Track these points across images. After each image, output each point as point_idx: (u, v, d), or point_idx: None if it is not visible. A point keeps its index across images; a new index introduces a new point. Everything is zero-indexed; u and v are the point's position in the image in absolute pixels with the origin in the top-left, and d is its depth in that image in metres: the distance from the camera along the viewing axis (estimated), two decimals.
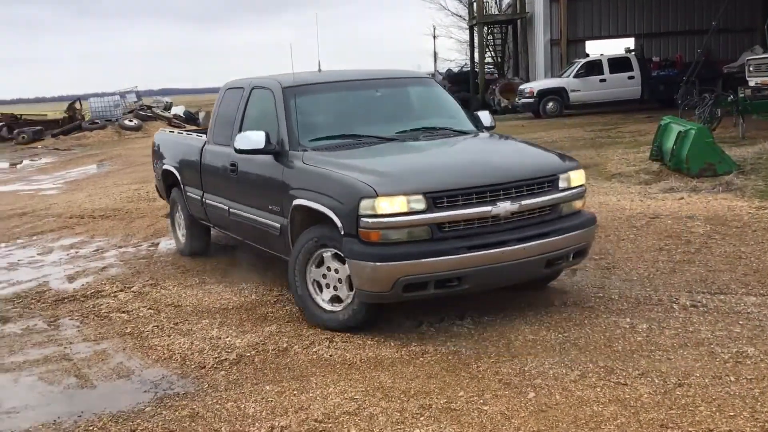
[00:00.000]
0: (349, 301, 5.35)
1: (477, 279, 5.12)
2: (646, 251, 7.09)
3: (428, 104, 7.07)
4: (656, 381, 4.24)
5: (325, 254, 5.42)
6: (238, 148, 6.06)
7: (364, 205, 4.94)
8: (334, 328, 5.36)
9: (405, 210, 4.93)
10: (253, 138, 5.94)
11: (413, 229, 4.99)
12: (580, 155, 14.29)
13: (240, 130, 6.40)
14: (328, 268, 5.44)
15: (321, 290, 5.52)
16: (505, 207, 5.11)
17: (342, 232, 5.11)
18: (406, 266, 4.92)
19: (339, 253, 5.26)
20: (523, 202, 5.19)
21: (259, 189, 6.31)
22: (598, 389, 4.18)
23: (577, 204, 5.65)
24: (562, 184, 5.46)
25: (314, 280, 5.53)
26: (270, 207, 6.09)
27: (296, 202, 5.56)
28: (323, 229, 5.35)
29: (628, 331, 5.05)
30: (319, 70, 7.13)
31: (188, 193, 7.85)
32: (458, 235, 5.07)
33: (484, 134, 6.54)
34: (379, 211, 4.92)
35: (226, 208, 6.88)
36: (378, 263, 4.91)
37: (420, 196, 4.95)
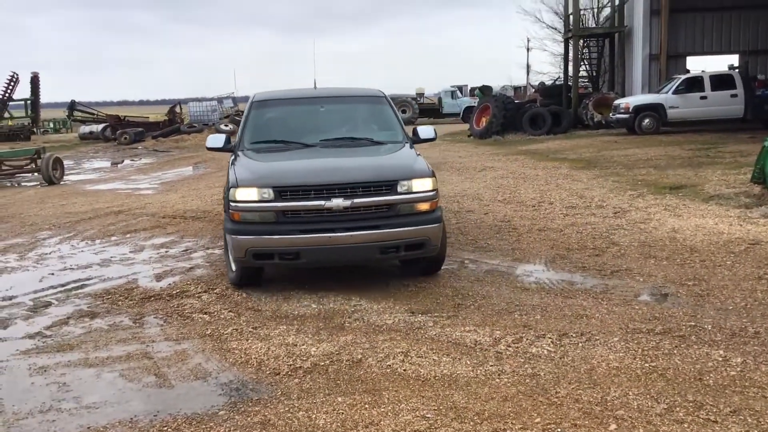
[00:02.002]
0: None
1: (311, 255, 6.56)
2: (743, 279, 6.70)
3: (366, 118, 8.42)
4: (749, 420, 3.97)
5: None
6: (206, 146, 7.89)
7: (231, 193, 6.67)
8: (233, 284, 7.08)
9: (256, 198, 6.53)
10: (217, 138, 7.81)
11: (263, 214, 6.58)
12: (676, 174, 13.78)
13: (242, 133, 7.88)
14: None
15: None
16: (338, 203, 6.45)
17: (225, 212, 7.01)
18: (252, 240, 6.54)
19: None
20: (355, 200, 6.48)
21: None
22: (686, 425, 3.93)
23: (422, 206, 6.72)
24: (401, 189, 6.61)
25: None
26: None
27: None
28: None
29: (721, 364, 4.75)
30: (315, 86, 9.05)
31: None
32: (297, 220, 6.54)
33: (398, 146, 7.59)
34: (239, 198, 6.60)
35: None
36: (234, 236, 6.62)
37: (269, 189, 6.50)
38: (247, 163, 7.14)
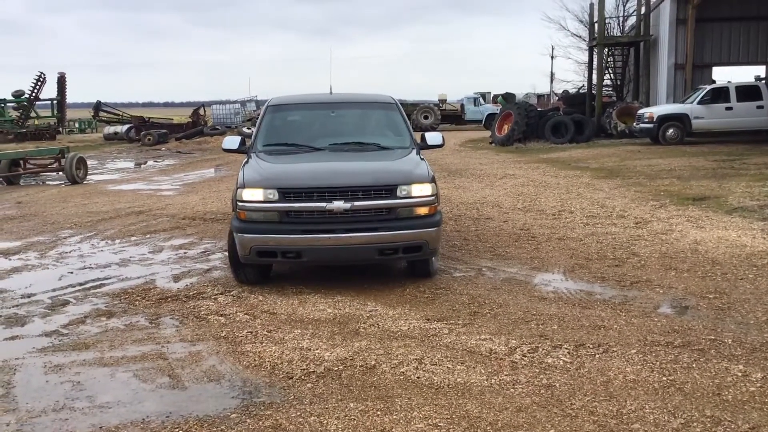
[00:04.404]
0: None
1: (312, 254, 6.81)
2: (765, 293, 6.58)
3: (376, 124, 8.57)
4: None
5: None
6: (222, 147, 8.05)
7: (238, 193, 6.90)
8: (239, 282, 7.32)
9: (262, 199, 6.75)
10: (233, 140, 7.94)
11: (267, 213, 6.80)
12: (699, 185, 13.62)
13: (256, 136, 8.10)
14: None
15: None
16: (338, 205, 6.63)
17: (232, 211, 7.28)
18: (257, 238, 6.77)
19: None
20: (355, 203, 6.66)
21: None
22: None
23: (420, 210, 6.88)
24: (400, 193, 6.77)
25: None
26: None
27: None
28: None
29: (741, 379, 4.66)
30: (331, 92, 8.98)
31: None
32: (300, 221, 6.76)
33: (404, 151, 7.74)
34: (245, 198, 6.83)
35: None
36: (240, 234, 6.82)
37: (274, 191, 6.72)
38: (255, 164, 7.34)
